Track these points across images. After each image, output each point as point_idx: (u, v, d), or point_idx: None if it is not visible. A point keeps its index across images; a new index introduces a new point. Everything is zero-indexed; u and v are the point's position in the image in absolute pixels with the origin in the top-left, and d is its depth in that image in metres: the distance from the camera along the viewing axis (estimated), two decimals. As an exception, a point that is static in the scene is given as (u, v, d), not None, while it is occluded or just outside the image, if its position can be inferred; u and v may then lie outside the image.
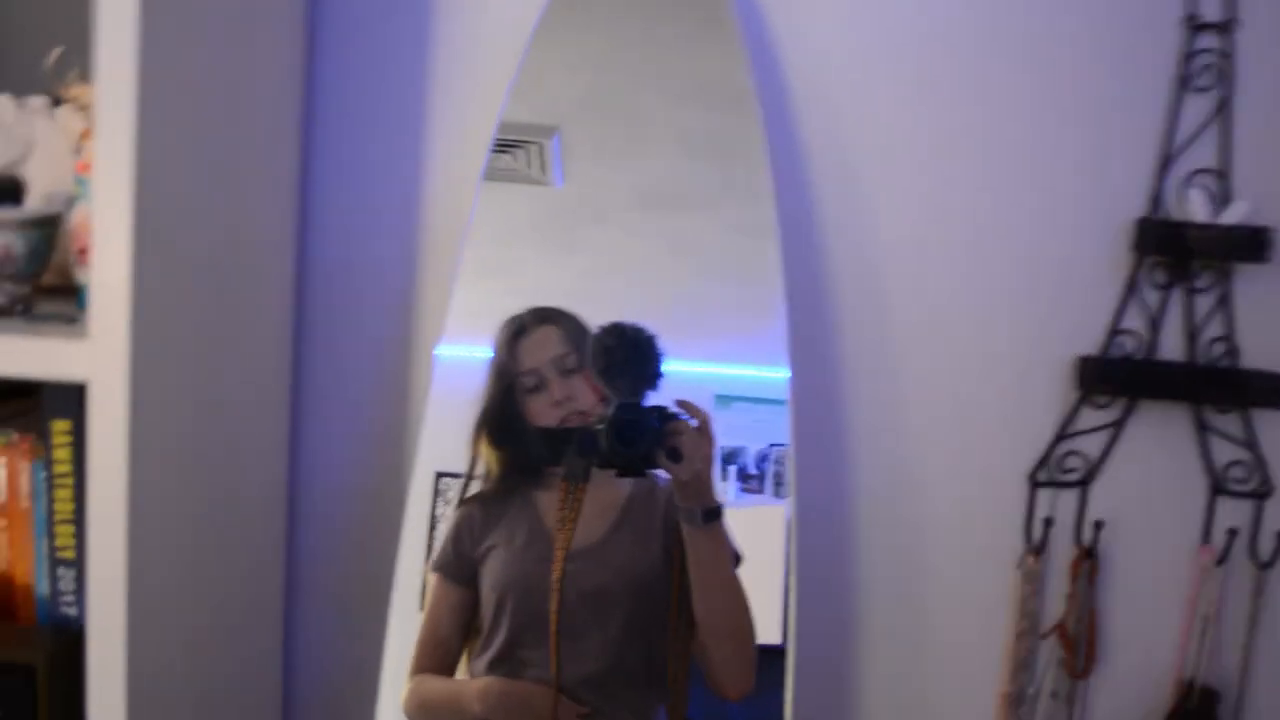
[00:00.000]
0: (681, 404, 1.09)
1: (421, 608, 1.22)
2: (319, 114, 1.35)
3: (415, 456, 1.26)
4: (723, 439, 1.21)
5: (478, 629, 1.19)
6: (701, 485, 1.09)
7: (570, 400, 1.16)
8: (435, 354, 1.28)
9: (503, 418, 1.19)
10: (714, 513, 1.10)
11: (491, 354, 1.20)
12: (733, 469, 1.25)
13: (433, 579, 1.20)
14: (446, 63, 1.34)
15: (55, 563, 1.04)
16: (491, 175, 1.27)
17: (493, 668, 1.16)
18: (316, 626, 1.41)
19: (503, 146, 1.27)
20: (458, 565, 1.19)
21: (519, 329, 1.19)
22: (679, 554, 1.12)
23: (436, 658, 1.19)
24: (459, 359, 1.27)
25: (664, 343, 1.11)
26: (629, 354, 1.08)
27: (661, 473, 1.10)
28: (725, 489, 1.24)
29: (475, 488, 1.21)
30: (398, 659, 1.22)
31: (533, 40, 1.25)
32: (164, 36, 0.95)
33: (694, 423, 1.08)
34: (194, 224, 1.07)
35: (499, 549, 1.18)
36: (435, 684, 1.19)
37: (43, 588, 1.05)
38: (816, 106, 1.30)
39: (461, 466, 1.22)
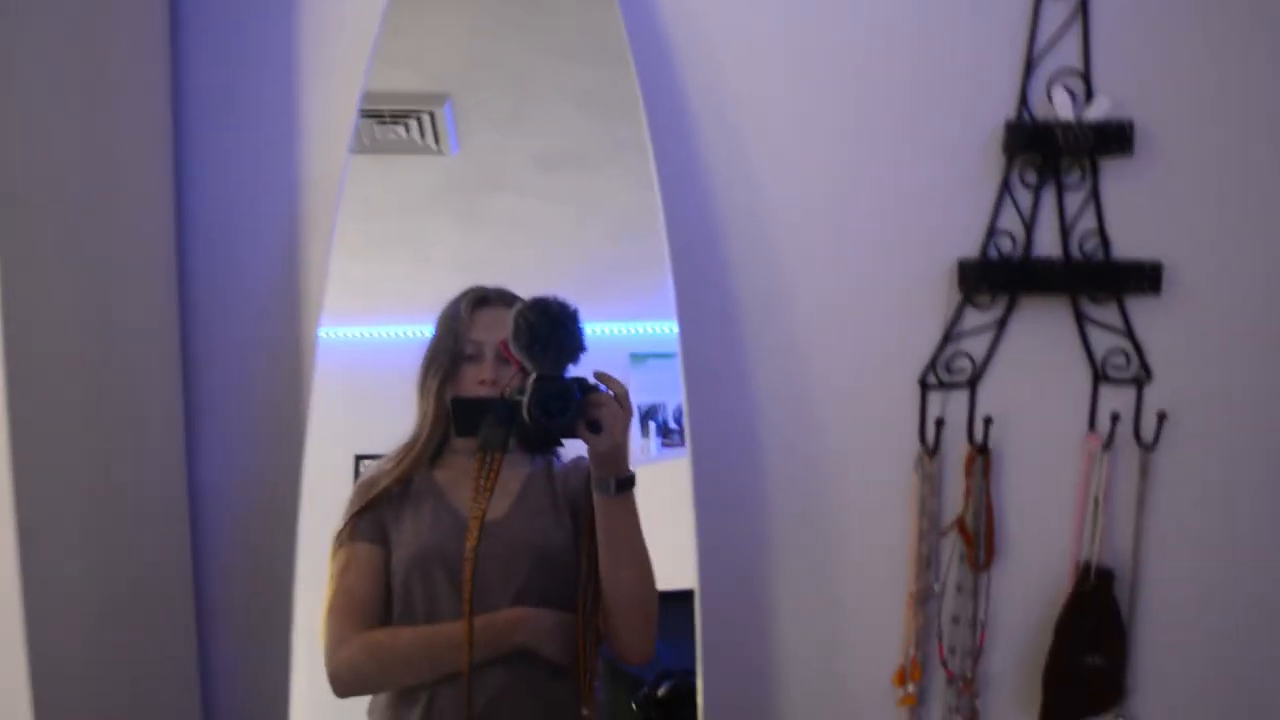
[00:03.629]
0: (599, 376, 1.10)
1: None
2: (186, 102, 1.31)
3: (306, 435, 1.23)
4: (640, 396, 1.24)
5: None
6: (619, 456, 1.11)
7: (495, 385, 1.17)
8: (319, 331, 1.25)
9: (439, 372, 1.19)
10: (627, 482, 1.12)
11: (447, 312, 1.20)
12: (653, 425, 1.26)
13: (348, 548, 1.17)
14: (309, 33, 1.31)
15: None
16: (385, 148, 1.25)
17: None
18: (226, 618, 1.38)
19: (394, 117, 1.25)
20: (377, 526, 1.18)
21: (482, 299, 1.20)
22: (588, 526, 1.14)
23: (366, 622, 1.16)
24: (374, 339, 1.26)
25: (576, 305, 1.10)
26: (553, 329, 1.07)
27: (561, 451, 1.16)
28: (646, 445, 1.25)
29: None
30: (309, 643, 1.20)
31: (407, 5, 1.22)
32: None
33: (612, 394, 1.09)
34: (66, 224, 1.05)
35: (404, 525, 1.18)
36: (404, 634, 1.15)
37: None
38: (690, 48, 1.30)
39: (381, 448, 1.21)
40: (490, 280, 1.22)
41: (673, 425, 1.28)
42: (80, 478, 1.10)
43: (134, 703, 1.20)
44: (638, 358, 1.26)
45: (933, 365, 1.34)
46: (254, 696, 1.38)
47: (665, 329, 1.27)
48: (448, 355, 1.19)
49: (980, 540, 1.34)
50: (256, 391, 1.35)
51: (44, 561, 1.01)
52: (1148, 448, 1.35)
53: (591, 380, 1.10)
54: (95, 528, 1.12)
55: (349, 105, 1.26)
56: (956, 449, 1.35)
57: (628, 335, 1.26)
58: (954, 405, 1.35)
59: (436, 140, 1.27)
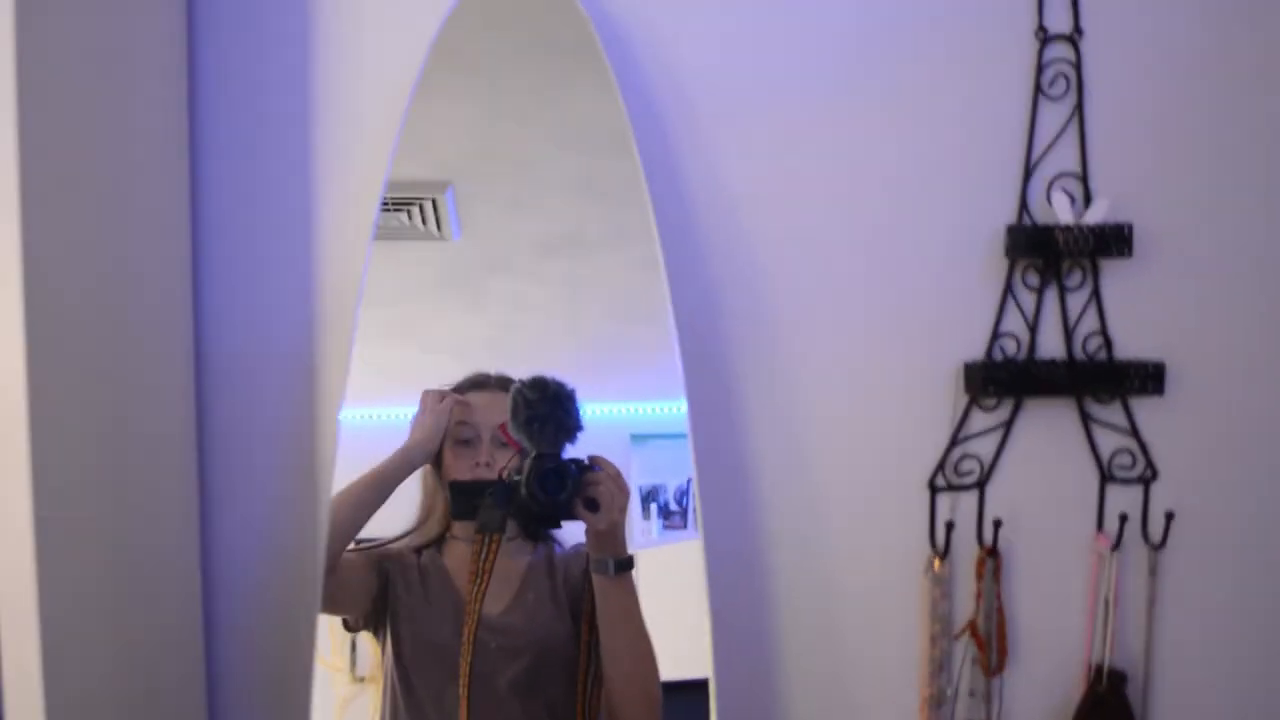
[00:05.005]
0: (594, 458, 1.12)
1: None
2: (204, 191, 1.31)
3: (325, 524, 1.23)
4: (641, 477, 1.24)
5: (384, 690, 1.17)
6: (616, 535, 1.12)
7: (490, 469, 1.18)
8: (339, 418, 1.25)
9: (432, 461, 1.21)
10: (626, 563, 1.12)
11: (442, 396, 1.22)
12: (654, 506, 1.26)
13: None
14: (330, 125, 1.30)
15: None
16: (387, 235, 1.26)
17: None
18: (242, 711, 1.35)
19: (397, 204, 1.27)
20: (376, 562, 1.19)
21: (481, 382, 1.21)
22: (588, 611, 1.14)
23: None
24: (374, 422, 1.26)
25: (577, 386, 1.14)
26: (551, 407, 1.10)
27: (562, 538, 1.17)
28: (648, 527, 1.25)
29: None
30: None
31: (415, 95, 1.24)
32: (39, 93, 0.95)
33: (608, 474, 1.11)
34: (85, 312, 1.05)
35: (408, 604, 1.17)
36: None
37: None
38: (693, 144, 1.32)
39: (381, 533, 1.22)
40: (492, 362, 1.24)
41: (674, 507, 1.28)
42: (96, 570, 1.08)
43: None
44: (638, 438, 1.26)
45: (941, 467, 1.34)
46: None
47: (666, 409, 1.28)
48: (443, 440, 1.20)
49: (992, 644, 1.33)
50: (273, 478, 1.33)
51: (63, 659, 0.99)
52: (1156, 547, 1.35)
53: (586, 460, 1.11)
54: (111, 624, 1.10)
55: (373, 191, 1.26)
56: (966, 551, 1.35)
57: (628, 415, 1.27)
58: (963, 507, 1.35)
59: (439, 226, 1.28)
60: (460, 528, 1.19)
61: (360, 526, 1.18)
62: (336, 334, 1.30)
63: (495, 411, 1.18)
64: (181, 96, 1.27)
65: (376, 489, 1.19)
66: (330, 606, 1.19)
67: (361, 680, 1.25)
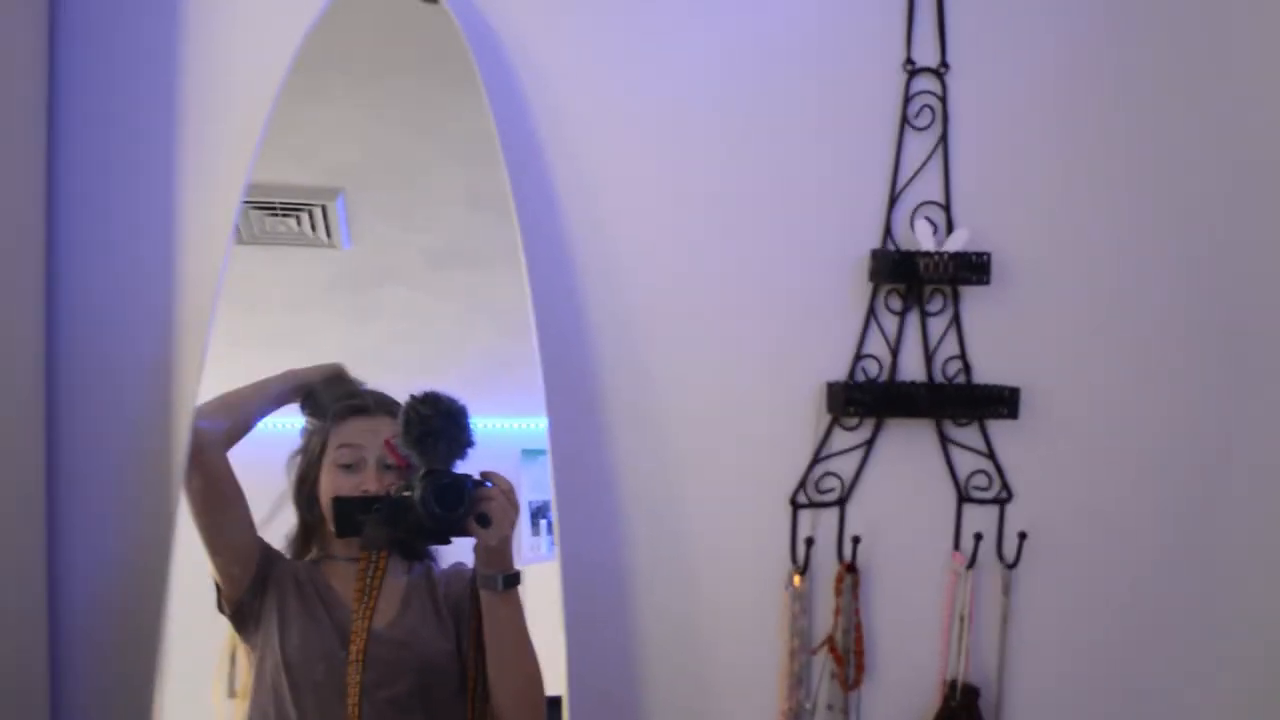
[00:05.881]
0: (486, 474, 1.12)
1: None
2: (62, 186, 1.27)
3: (177, 528, 1.21)
4: (532, 493, 1.24)
5: (255, 703, 1.14)
6: (506, 551, 1.13)
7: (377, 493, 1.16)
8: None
9: (306, 483, 1.19)
10: (514, 578, 1.13)
11: (317, 416, 1.19)
12: (544, 522, 1.26)
13: None
14: (194, 123, 1.28)
15: None
16: (275, 240, 1.25)
17: None
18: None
19: (285, 210, 1.25)
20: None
21: (360, 408, 1.19)
22: (474, 628, 1.14)
23: None
24: (264, 431, 1.23)
25: (467, 400, 1.13)
26: (445, 423, 1.10)
27: (437, 554, 1.19)
28: (537, 543, 1.25)
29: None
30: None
31: (300, 99, 1.22)
32: None
33: (499, 490, 1.11)
34: None
35: (292, 613, 1.15)
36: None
37: None
38: (563, 159, 1.33)
39: (275, 542, 1.20)
40: (379, 373, 1.22)
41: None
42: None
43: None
44: (529, 453, 1.27)
45: (803, 484, 1.37)
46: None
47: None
48: (318, 462, 1.18)
49: (850, 658, 1.36)
50: (125, 488, 1.29)
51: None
52: (1010, 566, 1.39)
53: (479, 476, 1.12)
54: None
55: (232, 198, 1.24)
56: (826, 567, 1.38)
57: (519, 431, 1.27)
58: (824, 524, 1.38)
59: (328, 234, 1.27)
60: (340, 545, 1.17)
61: (235, 422, 1.17)
62: (192, 334, 1.27)
63: (379, 437, 1.17)
64: (41, 88, 1.24)
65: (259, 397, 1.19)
66: (214, 534, 1.14)
67: (234, 697, 1.22)
